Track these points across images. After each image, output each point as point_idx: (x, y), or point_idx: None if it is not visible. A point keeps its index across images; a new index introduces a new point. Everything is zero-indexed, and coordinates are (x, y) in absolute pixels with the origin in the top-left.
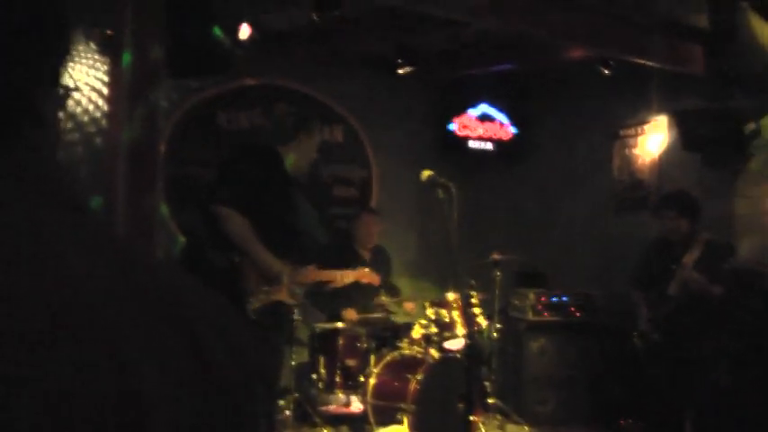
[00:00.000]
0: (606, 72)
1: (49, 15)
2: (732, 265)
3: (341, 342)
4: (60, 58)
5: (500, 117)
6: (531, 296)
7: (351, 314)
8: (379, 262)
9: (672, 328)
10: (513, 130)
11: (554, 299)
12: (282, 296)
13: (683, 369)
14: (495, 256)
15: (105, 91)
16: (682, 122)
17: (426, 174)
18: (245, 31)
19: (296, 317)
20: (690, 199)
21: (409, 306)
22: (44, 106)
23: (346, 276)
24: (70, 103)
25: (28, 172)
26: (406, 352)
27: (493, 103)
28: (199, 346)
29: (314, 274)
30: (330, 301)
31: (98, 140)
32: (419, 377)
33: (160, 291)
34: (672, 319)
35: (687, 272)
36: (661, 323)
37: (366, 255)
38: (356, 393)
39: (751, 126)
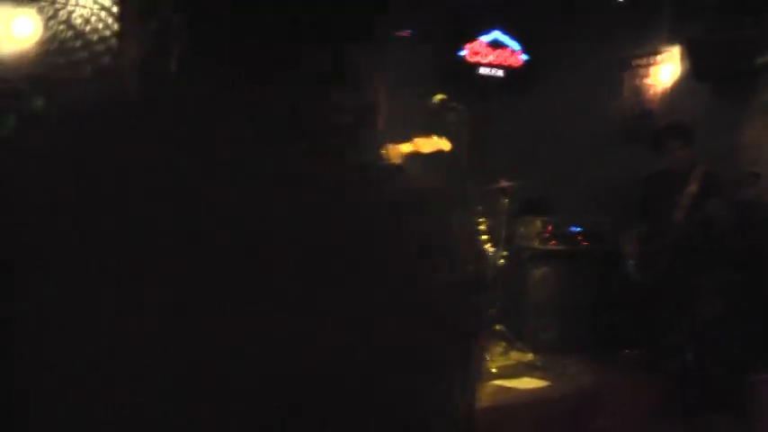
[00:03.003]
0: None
1: None
2: (735, 197)
3: None
4: None
5: (512, 44)
6: (538, 224)
7: None
8: None
9: (675, 258)
10: (523, 57)
11: (561, 227)
12: None
13: (684, 299)
14: (503, 183)
15: (114, 9)
16: (693, 52)
17: (438, 97)
18: None
19: None
20: (690, 130)
21: None
22: None
23: None
24: (77, 20)
25: None
26: None
27: (505, 30)
28: None
29: None
30: None
31: (107, 59)
32: None
33: None
34: (675, 248)
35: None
36: (661, 255)
37: None
38: None
39: (763, 58)
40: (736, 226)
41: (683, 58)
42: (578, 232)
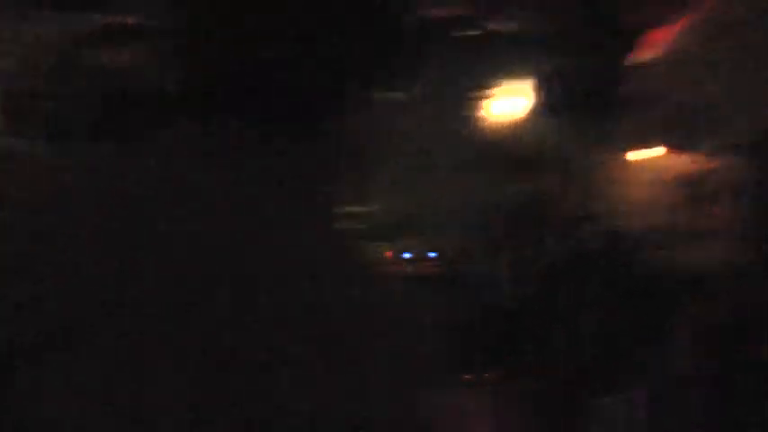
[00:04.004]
0: (470, 32)
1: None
2: (595, 227)
3: None
4: None
5: None
6: (386, 248)
7: None
8: None
9: (539, 285)
10: None
11: (411, 251)
12: None
13: (552, 321)
14: (350, 208)
15: None
16: (541, 86)
17: None
18: None
19: None
20: (551, 159)
21: None
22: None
23: None
24: None
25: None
26: None
27: None
28: None
29: None
30: None
31: None
32: None
33: None
34: (539, 276)
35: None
36: (526, 281)
37: None
38: None
39: (611, 92)
40: (602, 254)
41: (532, 92)
42: (433, 257)
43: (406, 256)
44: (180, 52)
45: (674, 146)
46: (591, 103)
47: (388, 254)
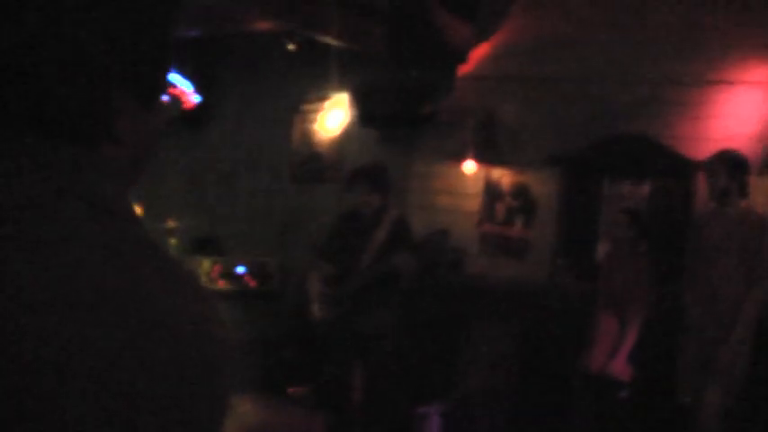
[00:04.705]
0: (291, 46)
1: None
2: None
3: None
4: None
5: (184, 84)
6: (206, 264)
7: None
8: None
9: (358, 302)
10: (196, 97)
11: (229, 267)
12: None
13: (360, 340)
14: (171, 223)
15: None
16: (359, 99)
17: None
18: None
19: None
20: (381, 174)
21: None
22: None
23: None
24: None
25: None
26: None
27: (178, 70)
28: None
29: None
30: None
31: None
32: None
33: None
34: (359, 293)
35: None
36: (347, 297)
37: None
38: None
39: (427, 106)
40: (416, 269)
41: (350, 105)
42: (245, 273)
43: (239, 270)
44: None
45: (487, 160)
46: (408, 116)
47: (217, 267)
